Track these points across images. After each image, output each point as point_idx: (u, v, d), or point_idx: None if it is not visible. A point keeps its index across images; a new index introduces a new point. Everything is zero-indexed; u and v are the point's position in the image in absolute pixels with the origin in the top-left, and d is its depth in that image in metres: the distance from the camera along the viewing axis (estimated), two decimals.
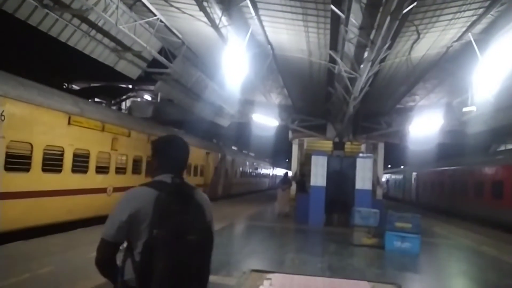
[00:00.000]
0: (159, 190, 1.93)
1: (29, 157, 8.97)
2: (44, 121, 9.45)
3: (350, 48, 9.12)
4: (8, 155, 8.29)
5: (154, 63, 14.07)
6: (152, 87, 21.27)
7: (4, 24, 14.87)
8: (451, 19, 8.48)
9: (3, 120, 8.09)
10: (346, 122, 16.14)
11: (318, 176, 13.34)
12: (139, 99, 27.30)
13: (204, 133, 22.35)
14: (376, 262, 8.36)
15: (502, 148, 24.31)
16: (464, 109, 13.04)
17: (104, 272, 2.04)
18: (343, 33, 8.46)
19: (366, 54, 8.49)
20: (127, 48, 12.74)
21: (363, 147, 19.93)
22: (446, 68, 11.56)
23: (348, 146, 18.44)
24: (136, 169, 13.91)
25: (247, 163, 34.07)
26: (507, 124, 15.38)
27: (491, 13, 7.88)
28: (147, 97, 27.65)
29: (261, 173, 41.82)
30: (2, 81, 8.41)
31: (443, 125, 15.86)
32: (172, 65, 13.29)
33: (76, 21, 10.71)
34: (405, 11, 6.57)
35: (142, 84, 24.57)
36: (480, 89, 10.91)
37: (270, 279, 5.99)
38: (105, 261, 2.01)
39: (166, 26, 11.21)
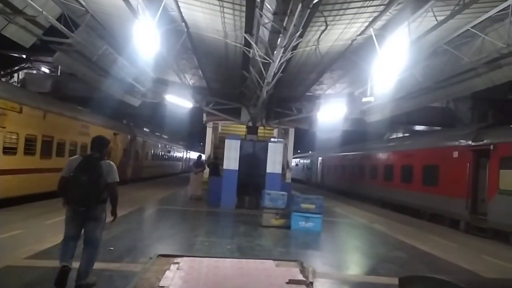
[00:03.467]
0: (82, 157, 4.74)
1: None
2: None
3: (264, 33, 9.19)
4: None
5: (52, 30, 12.53)
6: (50, 59, 19.09)
7: None
8: (355, 13, 9.02)
9: None
10: (260, 106, 16.45)
11: (231, 160, 13.46)
12: (35, 71, 24.44)
13: (112, 112, 20.91)
14: (282, 241, 8.77)
15: (394, 135, 27.32)
16: (364, 99, 14.20)
17: (61, 192, 4.66)
18: (258, 17, 8.47)
19: (279, 40, 8.63)
20: (18, 11, 11.13)
21: (275, 132, 20.59)
22: (350, 60, 12.36)
23: (261, 130, 18.88)
24: (29, 150, 12.43)
25: (160, 145, 32.95)
26: (398, 114, 17.21)
27: (390, 11, 8.57)
28: (45, 69, 24.87)
29: (174, 156, 40.88)
30: None
31: (347, 113, 17.11)
32: (74, 35, 12.01)
33: None
34: (315, 0, 6.79)
35: (38, 54, 21.91)
36: (378, 81, 11.97)
37: (178, 263, 5.88)
38: (61, 186, 4.65)
39: None
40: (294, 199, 10.14)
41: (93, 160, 4.65)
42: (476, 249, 9.31)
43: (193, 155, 51.65)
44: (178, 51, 12.43)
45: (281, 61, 9.91)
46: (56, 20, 11.35)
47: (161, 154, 33.72)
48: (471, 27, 8.95)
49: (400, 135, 26.80)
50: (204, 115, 19.37)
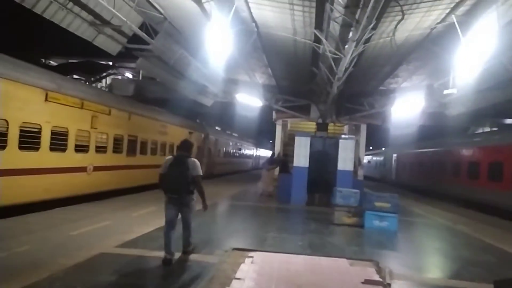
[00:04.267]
0: (173, 157, 5.98)
1: (5, 134, 8.68)
2: (19, 96, 9.12)
3: (335, 28, 9.01)
4: None
5: (135, 38, 13.62)
6: (133, 64, 20.73)
7: None
8: (435, 0, 8.45)
9: None
10: (330, 103, 16.16)
11: (301, 157, 13.43)
12: (119, 77, 26.63)
13: (187, 112, 22.05)
14: (355, 240, 8.55)
15: (480, 130, 24.96)
16: (445, 91, 13.20)
17: (160, 185, 5.93)
18: (328, 12, 8.35)
19: (351, 34, 8.41)
20: (106, 22, 12.28)
21: (346, 128, 20.07)
22: (429, 50, 11.60)
23: (331, 127, 18.54)
24: (117, 148, 13.67)
25: (230, 143, 34.00)
26: (484, 106, 15.70)
27: None
28: (128, 74, 26.99)
29: (244, 153, 41.87)
30: None
31: (424, 107, 16.05)
32: (154, 41, 12.90)
33: None
34: None
35: (122, 61, 23.90)
36: (461, 72, 11.03)
37: (251, 257, 6.06)
38: (160, 181, 5.89)
39: (147, 0, 10.83)
40: (367, 197, 9.81)
41: (182, 158, 5.94)
42: None
43: (263, 152, 52.43)
44: (248, 51, 12.72)
45: (353, 55, 9.64)
46: (138, 28, 12.29)
47: (232, 151, 34.76)
48: None
49: (487, 129, 24.41)
50: (274, 112, 19.56)
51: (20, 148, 9.13)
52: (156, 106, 19.19)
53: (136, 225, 8.17)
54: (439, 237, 10.09)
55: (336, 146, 13.28)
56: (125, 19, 10.84)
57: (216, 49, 10.00)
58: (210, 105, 20.01)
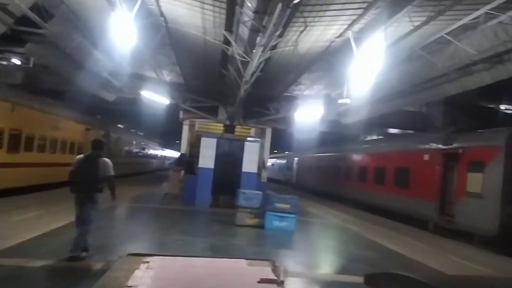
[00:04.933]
0: (85, 156, 6.20)
1: None
2: None
3: (244, 31, 9.16)
4: None
5: (24, 20, 12.03)
6: (21, 49, 18.34)
7: None
8: (334, 15, 9.12)
9: None
10: (238, 105, 16.39)
11: (207, 158, 13.35)
12: (5, 62, 23.46)
13: (86, 107, 20.32)
14: (256, 240, 8.76)
15: (368, 138, 27.86)
16: (340, 101, 14.38)
17: (70, 183, 6.13)
18: (238, 15, 8.43)
19: (258, 39, 8.62)
20: None
21: (252, 131, 20.56)
22: (328, 61, 12.49)
23: (238, 129, 18.82)
24: None
25: (134, 142, 32.34)
26: (373, 116, 17.54)
27: (368, 14, 8.72)
28: (16, 61, 23.91)
29: (149, 153, 40.22)
30: None
31: (323, 115, 17.27)
32: (48, 25, 11.58)
33: None
34: (296, 1, 6.81)
35: (8, 45, 21.06)
36: (354, 84, 12.14)
37: (147, 262, 5.75)
38: (70, 178, 6.05)
39: None
40: (269, 198, 10.15)
41: (93, 157, 6.09)
42: (443, 249, 9.61)
43: (169, 153, 51.01)
44: (156, 46, 12.21)
45: (260, 60, 9.90)
46: (29, 9, 10.90)
47: (136, 151, 33.10)
48: (445, 34, 9.21)
49: (375, 137, 27.36)
50: (181, 112, 19.11)
51: None
52: (50, 98, 17.30)
53: (16, 231, 7.18)
54: (332, 236, 10.92)
55: (242, 148, 13.51)
56: None
57: (120, 41, 9.38)
58: (112, 100, 18.71)
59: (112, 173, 6.13)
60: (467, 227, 11.33)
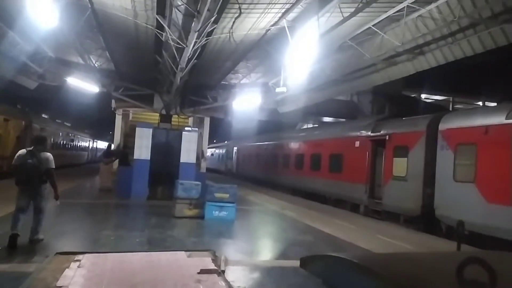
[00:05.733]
0: (27, 151, 6.41)
1: None
2: None
3: (178, 16, 8.83)
4: None
5: None
6: None
7: None
8: (269, 3, 9.15)
9: None
10: (174, 94, 15.91)
11: (143, 149, 12.81)
12: None
13: (3, 95, 18.35)
14: (195, 232, 8.62)
15: (305, 126, 28.81)
16: (277, 90, 14.63)
17: (14, 175, 6.44)
18: None
19: (193, 25, 8.35)
20: None
21: (190, 120, 20.16)
22: (264, 49, 12.57)
23: (175, 119, 18.32)
24: None
25: (61, 133, 30.04)
26: (309, 105, 18.11)
27: (301, 4, 8.87)
28: None
29: (79, 145, 37.69)
30: None
31: (261, 103, 17.45)
32: None
33: None
34: None
35: None
36: (290, 73, 12.38)
37: (79, 260, 5.37)
38: (13, 171, 6.47)
39: None
40: (208, 189, 10.03)
41: (35, 152, 6.44)
42: (373, 229, 10.26)
43: (101, 144, 48.29)
44: (81, 29, 11.33)
45: (196, 46, 9.64)
46: None
47: (63, 143, 30.79)
48: (372, 25, 9.69)
49: (311, 126, 28.35)
50: (113, 101, 18.11)
51: None
52: None
53: None
54: (270, 222, 11.13)
55: (179, 138, 13.16)
56: None
57: (39, 21, 8.52)
58: (34, 88, 17.12)
59: (53, 166, 6.61)
60: (394, 209, 12.22)
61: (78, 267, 5.13)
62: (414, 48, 10.98)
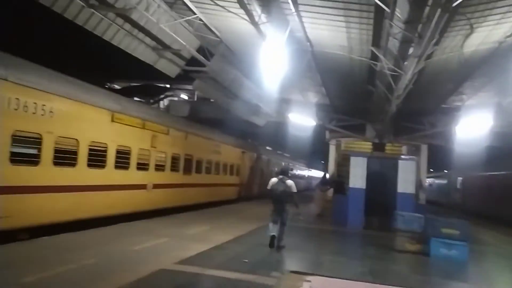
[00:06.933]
0: (277, 178, 8.62)
1: (75, 153, 9.28)
2: (89, 117, 9.78)
3: (394, 44, 8.73)
4: (56, 150, 8.62)
5: (192, 61, 14.22)
6: (188, 86, 21.57)
7: (49, 24, 15.65)
8: (506, 12, 7.89)
9: (51, 117, 8.44)
10: (387, 122, 15.56)
11: (358, 178, 12.96)
12: (176, 98, 27.85)
13: (239, 132, 22.38)
14: (419, 268, 7.98)
15: None
16: None
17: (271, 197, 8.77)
18: (387, 28, 8.10)
19: (411, 50, 8.08)
20: (167, 47, 12.95)
21: (404, 148, 19.15)
22: (497, 64, 10.80)
23: (388, 147, 17.81)
24: (174, 167, 14.09)
25: (283, 163, 33.83)
26: None
27: None
28: (184, 96, 28.14)
29: (296, 174, 41.40)
30: (51, 79, 8.78)
31: (493, 127, 14.88)
32: (210, 63, 13.36)
33: (119, 20, 11.01)
34: (456, 3, 6.16)
35: (179, 83, 25.02)
36: None
37: (309, 281, 5.82)
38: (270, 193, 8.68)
39: (205, 24, 11.27)
40: (431, 222, 9.15)
41: (282, 179, 8.45)
42: None
43: (315, 173, 51.53)
44: (302, 70, 12.70)
45: (414, 71, 9.23)
46: (196, 51, 12.81)
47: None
48: None
49: None
50: (327, 132, 19.22)
51: (89, 165, 9.72)
52: (209, 126, 19.70)
53: (192, 243, 8.27)
54: None
55: (395, 168, 12.67)
56: (185, 43, 11.36)
57: (270, 69, 10.10)
58: (263, 125, 20.15)
59: (295, 190, 8.47)
60: None
61: (310, 287, 5.54)
62: None
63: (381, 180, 12.94)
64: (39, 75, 8.45)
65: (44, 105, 8.25)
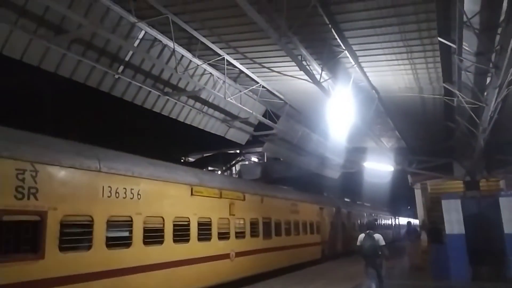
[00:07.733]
0: (364, 234, 8.90)
1: (161, 230, 9.70)
2: (171, 194, 10.31)
3: (468, 77, 8.21)
4: (145, 230, 9.10)
5: (260, 125, 14.71)
6: (257, 149, 22.13)
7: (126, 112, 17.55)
8: None
9: (139, 199, 9.05)
10: (476, 157, 14.20)
11: (454, 223, 11.71)
12: (247, 162, 28.57)
13: (315, 188, 21.93)
14: None
15: None
16: None
17: (359, 252, 9.04)
18: (457, 63, 7.71)
19: (489, 81, 7.51)
20: (235, 117, 13.62)
21: (502, 183, 17.10)
22: None
23: (483, 184, 16.07)
24: (253, 232, 14.00)
25: (365, 214, 32.04)
26: None
27: None
28: (254, 158, 28.80)
29: (382, 224, 38.71)
30: (135, 163, 9.56)
31: None
32: (277, 125, 13.69)
33: (190, 101, 11.95)
34: None
35: (248, 147, 25.81)
36: None
37: None
38: (358, 250, 8.97)
39: (268, 90, 11.75)
40: None
41: (370, 234, 8.64)
42: None
43: (403, 221, 47.76)
44: (371, 117, 12.41)
45: (497, 101, 8.50)
46: (262, 116, 13.28)
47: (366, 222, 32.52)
48: None
49: None
50: (409, 176, 18.04)
51: (174, 241, 10.04)
52: (281, 185, 19.60)
53: None
54: None
55: (496, 206, 11.26)
56: (251, 111, 11.86)
57: (338, 122, 10.03)
58: (337, 177, 19.62)
59: (384, 243, 8.60)
60: None
61: None
62: None
63: (482, 222, 11.56)
64: (125, 162, 9.25)
65: (132, 188, 8.92)
